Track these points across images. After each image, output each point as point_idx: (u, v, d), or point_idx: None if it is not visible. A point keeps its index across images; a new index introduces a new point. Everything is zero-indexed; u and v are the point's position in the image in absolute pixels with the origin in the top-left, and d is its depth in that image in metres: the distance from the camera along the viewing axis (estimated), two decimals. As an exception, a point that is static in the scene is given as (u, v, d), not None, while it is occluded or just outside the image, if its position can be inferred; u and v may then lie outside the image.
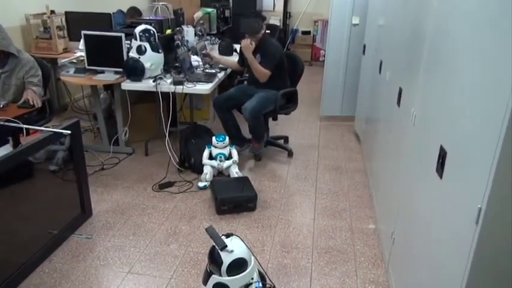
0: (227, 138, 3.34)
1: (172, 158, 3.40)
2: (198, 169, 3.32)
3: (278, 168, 3.59)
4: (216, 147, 3.31)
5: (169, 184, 3.21)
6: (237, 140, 3.63)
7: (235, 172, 3.27)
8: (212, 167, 3.28)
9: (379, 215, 2.72)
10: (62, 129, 2.41)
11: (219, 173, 3.36)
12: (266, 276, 2.06)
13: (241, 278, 1.82)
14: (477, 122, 1.23)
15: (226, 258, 1.79)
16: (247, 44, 3.40)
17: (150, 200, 3.02)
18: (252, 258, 1.89)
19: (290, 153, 3.81)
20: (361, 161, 3.74)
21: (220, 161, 3.28)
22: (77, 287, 2.16)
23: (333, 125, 4.64)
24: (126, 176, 3.35)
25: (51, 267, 2.30)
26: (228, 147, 3.35)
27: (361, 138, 4.00)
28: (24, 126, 2.51)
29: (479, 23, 1.28)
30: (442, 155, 1.45)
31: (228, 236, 1.88)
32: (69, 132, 2.41)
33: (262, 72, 3.42)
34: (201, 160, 3.29)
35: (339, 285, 2.23)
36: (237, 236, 1.90)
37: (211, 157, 3.32)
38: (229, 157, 3.33)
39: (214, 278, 1.81)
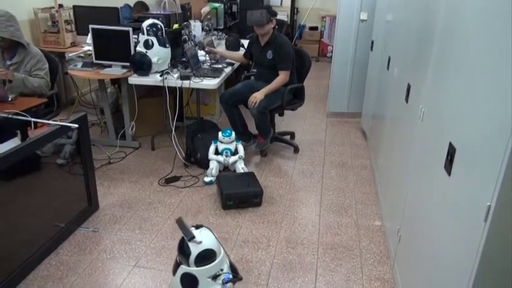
0: (233, 133, 3.34)
1: (178, 153, 3.41)
2: (204, 164, 3.32)
3: (284, 164, 3.59)
4: (222, 142, 3.31)
5: (176, 179, 3.22)
6: (243, 135, 3.63)
7: (241, 167, 3.27)
8: (218, 162, 3.28)
9: (385, 212, 2.71)
10: (69, 123, 2.42)
11: (225, 168, 3.36)
12: (231, 270, 2.06)
13: (209, 268, 1.86)
14: (487, 118, 1.21)
15: (194, 249, 1.83)
16: (255, 97, 3.35)
17: (156, 194, 3.03)
18: (221, 250, 1.92)
19: (296, 149, 3.81)
20: (367, 158, 3.72)
21: (226, 156, 3.29)
22: (83, 279, 2.18)
23: (339, 122, 4.62)
24: (133, 170, 3.37)
25: (58, 259, 2.32)
26: (234, 143, 3.35)
27: (368, 135, 3.97)
28: (32, 119, 2.53)
29: (489, 18, 1.26)
30: (451, 152, 1.44)
31: (197, 227, 1.91)
32: (76, 126, 2.42)
33: (284, 80, 3.45)
34: (207, 155, 3.30)
35: (344, 281, 2.23)
36: (207, 227, 1.93)
37: (217, 152, 3.33)
38: (235, 152, 3.33)
39: (183, 268, 1.86)
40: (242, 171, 3.24)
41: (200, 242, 1.83)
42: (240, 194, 2.86)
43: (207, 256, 1.85)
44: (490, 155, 1.15)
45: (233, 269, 2.01)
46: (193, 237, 1.83)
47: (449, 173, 1.46)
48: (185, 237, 1.84)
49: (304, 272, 2.29)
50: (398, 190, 2.34)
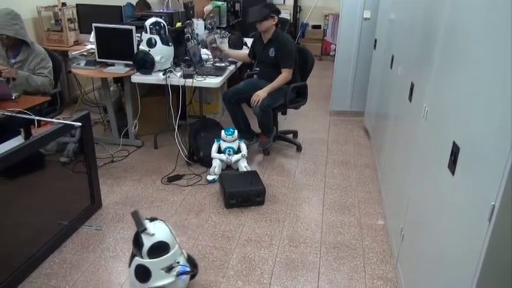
0: (236, 132, 3.34)
1: (181, 151, 3.41)
2: (207, 162, 3.33)
3: (287, 162, 3.59)
4: (225, 141, 3.31)
5: (178, 177, 3.22)
6: (245, 133, 3.62)
7: (243, 166, 3.27)
8: (221, 160, 3.28)
9: (388, 211, 2.71)
10: (72, 121, 2.43)
11: (228, 167, 3.36)
12: (188, 264, 2.09)
13: (162, 260, 1.89)
14: (491, 118, 1.20)
15: (147, 241, 1.87)
16: (258, 95, 3.35)
17: (159, 192, 3.03)
18: (176, 243, 1.95)
19: (299, 148, 3.80)
20: (370, 157, 3.72)
21: (229, 154, 3.29)
22: (86, 277, 2.19)
23: (342, 120, 4.61)
24: (136, 168, 3.37)
25: (61, 257, 2.33)
26: (237, 141, 3.35)
27: (371, 134, 3.97)
28: (36, 118, 2.53)
29: (493, 16, 1.25)
30: (455, 151, 1.43)
31: (151, 220, 1.94)
32: (79, 124, 2.43)
33: (287, 78, 3.45)
34: (210, 153, 3.30)
35: (347, 280, 2.22)
36: (161, 220, 1.96)
37: (220, 151, 3.33)
38: (238, 151, 3.33)
39: (136, 260, 1.89)
40: (245, 169, 3.24)
41: (153, 235, 1.88)
42: (242, 193, 2.86)
43: (160, 248, 1.89)
44: (494, 154, 1.15)
45: (193, 263, 2.06)
46: (145, 229, 1.87)
47: (453, 173, 1.45)
48: (138, 229, 1.88)
49: (307, 270, 2.29)
50: (401, 189, 2.33)
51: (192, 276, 2.08)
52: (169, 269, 1.90)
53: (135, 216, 1.87)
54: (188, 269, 1.96)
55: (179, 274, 1.92)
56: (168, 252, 1.91)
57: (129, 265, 1.95)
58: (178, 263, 1.93)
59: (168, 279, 1.90)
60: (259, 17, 3.39)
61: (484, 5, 1.36)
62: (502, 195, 1.09)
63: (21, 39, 3.02)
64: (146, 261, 1.88)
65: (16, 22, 2.96)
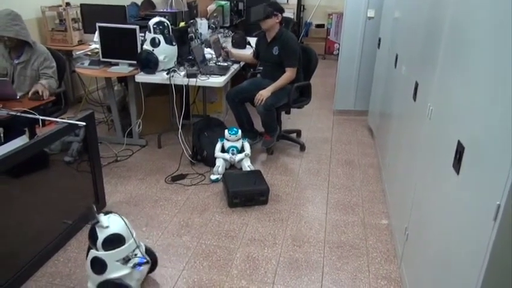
0: (240, 131, 3.34)
1: (185, 151, 3.42)
2: (211, 162, 3.33)
3: (290, 162, 3.58)
4: (228, 140, 3.31)
5: (182, 176, 3.23)
6: (249, 133, 3.62)
7: (247, 165, 3.27)
8: (224, 160, 3.28)
9: (392, 211, 2.70)
10: (76, 120, 2.43)
11: (231, 166, 3.36)
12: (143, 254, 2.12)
13: (117, 252, 1.92)
14: (496, 117, 1.20)
15: (101, 234, 1.90)
16: (262, 95, 3.36)
17: (162, 192, 3.04)
18: (132, 235, 1.99)
19: (302, 147, 3.80)
20: (374, 156, 3.71)
21: (233, 154, 3.29)
22: (91, 276, 2.19)
23: (346, 119, 4.60)
24: (139, 167, 3.38)
25: (65, 256, 2.34)
26: (241, 141, 3.35)
27: (375, 133, 3.95)
28: (40, 117, 2.55)
29: (498, 15, 1.24)
30: (460, 151, 1.43)
31: (106, 213, 1.97)
32: (84, 123, 2.44)
33: (290, 77, 3.44)
34: (214, 153, 3.30)
35: (351, 280, 2.22)
36: (116, 214, 1.98)
37: (223, 150, 3.33)
38: (242, 150, 3.33)
39: (92, 253, 1.92)
40: (248, 169, 3.24)
41: (107, 227, 1.90)
42: (246, 192, 2.86)
43: (114, 240, 1.92)
44: (500, 153, 1.14)
45: (151, 255, 2.12)
46: (98, 221, 1.90)
47: (457, 172, 1.44)
48: (90, 222, 1.91)
49: (311, 270, 2.28)
50: (405, 189, 2.32)
51: (151, 269, 2.15)
52: (126, 260, 1.95)
53: (89, 209, 1.92)
54: (144, 260, 1.99)
55: (135, 265, 1.96)
56: (123, 244, 1.94)
57: (86, 258, 1.98)
58: (135, 255, 1.98)
59: (124, 271, 1.94)
60: (263, 15, 3.39)
61: (488, 3, 1.35)
62: (508, 194, 1.08)
63: (23, 40, 3.02)
64: (101, 253, 1.91)
65: (17, 23, 2.96)
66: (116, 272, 1.93)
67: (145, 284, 2.15)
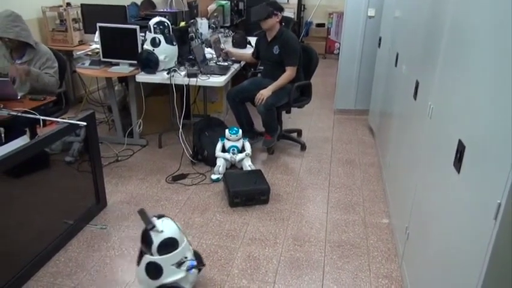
0: (240, 131, 3.34)
1: (185, 151, 3.42)
2: (211, 162, 3.33)
3: (291, 161, 3.58)
4: (229, 140, 3.31)
5: (183, 176, 3.23)
6: (248, 133, 3.62)
7: (248, 165, 3.27)
8: (225, 159, 3.28)
9: (393, 210, 2.70)
10: (77, 120, 2.44)
11: (232, 166, 3.36)
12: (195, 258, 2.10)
13: (172, 256, 1.90)
14: (497, 115, 1.19)
15: (156, 239, 1.88)
16: (262, 94, 3.35)
17: (163, 191, 3.04)
18: (184, 238, 1.97)
19: (303, 147, 3.80)
20: (375, 155, 3.70)
21: (233, 153, 3.29)
22: (92, 276, 2.20)
23: (346, 119, 4.60)
24: (140, 167, 3.38)
25: (67, 256, 2.35)
26: (241, 140, 3.35)
27: (375, 132, 3.95)
28: (41, 117, 2.55)
29: (499, 13, 1.24)
30: (460, 150, 1.43)
31: (159, 217, 1.95)
32: (84, 123, 2.44)
33: (291, 76, 3.44)
34: (214, 153, 3.30)
35: (352, 279, 2.22)
36: (168, 217, 1.97)
37: (224, 150, 3.33)
38: (242, 150, 3.33)
39: (147, 258, 1.90)
40: (249, 168, 3.24)
41: (162, 231, 1.88)
42: (247, 192, 2.86)
43: (169, 244, 1.90)
44: (501, 152, 1.14)
45: (198, 256, 2.08)
46: (154, 226, 1.88)
47: (458, 171, 1.44)
48: (146, 227, 1.89)
49: (312, 269, 2.28)
50: (406, 188, 2.32)
51: (199, 270, 2.10)
52: (179, 264, 1.92)
53: (142, 214, 1.88)
54: (195, 263, 1.97)
55: (189, 269, 1.94)
56: (177, 248, 1.92)
57: (138, 263, 1.95)
58: (186, 257, 1.95)
59: (180, 275, 1.92)
60: (263, 15, 3.38)
61: (488, 2, 1.35)
62: (508, 193, 1.08)
63: (25, 41, 3.02)
64: (157, 258, 1.88)
65: (17, 24, 2.96)
66: (171, 276, 1.91)
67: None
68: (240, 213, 2.79)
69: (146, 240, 1.90)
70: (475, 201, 1.30)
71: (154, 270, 1.89)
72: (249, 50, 4.01)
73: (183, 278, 1.93)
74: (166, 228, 1.91)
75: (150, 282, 1.91)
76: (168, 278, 1.90)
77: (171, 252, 1.90)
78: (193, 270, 1.97)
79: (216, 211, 2.81)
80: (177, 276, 1.91)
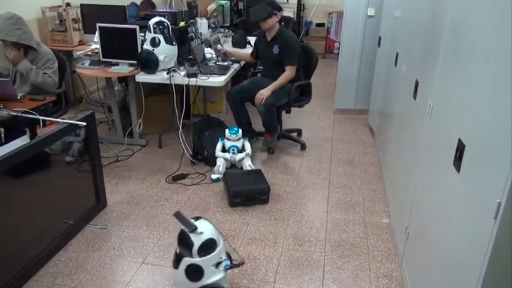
0: (240, 131, 3.34)
1: (185, 150, 3.42)
2: (211, 161, 3.33)
3: (291, 161, 3.58)
4: (229, 139, 3.31)
5: (183, 176, 3.23)
6: (247, 132, 3.62)
7: (248, 165, 3.27)
8: (225, 159, 3.28)
9: (393, 209, 2.70)
10: (77, 121, 2.44)
11: (232, 166, 3.36)
12: (236, 254, 2.12)
13: (212, 257, 1.88)
14: (497, 114, 1.19)
15: (197, 240, 1.85)
16: (262, 94, 3.36)
17: (163, 191, 3.04)
18: (221, 238, 1.95)
19: (303, 146, 3.80)
20: (375, 155, 3.70)
21: (233, 153, 3.29)
22: (92, 276, 2.20)
23: (346, 118, 4.60)
24: (140, 167, 3.38)
25: (67, 256, 2.35)
26: (241, 140, 3.35)
27: (375, 132, 3.95)
28: (41, 117, 2.55)
29: (499, 12, 1.24)
30: (460, 149, 1.43)
31: (196, 219, 1.93)
32: (84, 123, 2.44)
33: (290, 76, 3.44)
34: (214, 152, 3.30)
35: (352, 278, 2.22)
36: (204, 218, 1.95)
37: (224, 149, 3.33)
38: (242, 150, 3.33)
39: (186, 260, 1.87)
40: (249, 168, 3.24)
41: (201, 233, 1.86)
42: (247, 191, 2.86)
43: (208, 245, 1.88)
44: (500, 151, 1.14)
45: (228, 256, 2.06)
46: (196, 228, 1.85)
47: (458, 170, 1.44)
48: (186, 229, 1.86)
49: (312, 269, 2.28)
50: (406, 187, 2.32)
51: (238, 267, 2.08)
52: (217, 264, 1.90)
53: (180, 217, 1.85)
54: (229, 262, 1.95)
55: (227, 268, 1.93)
56: (216, 249, 1.90)
57: (176, 267, 1.91)
58: (221, 258, 1.94)
59: (220, 275, 1.90)
60: (263, 16, 3.38)
61: (488, 1, 1.35)
62: (508, 192, 1.08)
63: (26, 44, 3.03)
64: (198, 260, 1.85)
65: (19, 27, 2.95)
66: (212, 277, 1.89)
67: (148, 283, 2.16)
68: (240, 213, 2.79)
69: (186, 242, 1.86)
70: (475, 200, 1.30)
71: (195, 273, 1.87)
72: (248, 50, 4.01)
73: (222, 278, 1.91)
74: (205, 229, 1.88)
75: (191, 284, 1.88)
76: (209, 279, 1.88)
77: (211, 253, 1.88)
78: (230, 270, 1.95)
79: (216, 211, 2.81)
80: (217, 277, 1.89)
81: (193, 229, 1.84)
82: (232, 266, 1.95)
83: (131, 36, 3.41)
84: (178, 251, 1.91)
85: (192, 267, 1.86)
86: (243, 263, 2.03)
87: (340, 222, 2.71)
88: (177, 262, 1.90)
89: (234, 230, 2.61)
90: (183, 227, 1.87)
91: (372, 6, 4.20)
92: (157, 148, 3.75)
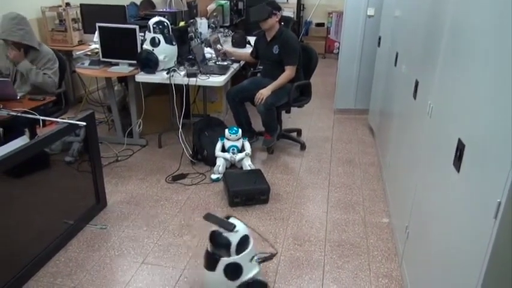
0: (240, 130, 3.34)
1: (185, 150, 3.42)
2: (211, 161, 3.33)
3: (291, 161, 3.58)
4: (229, 139, 3.31)
5: (183, 176, 3.23)
6: (246, 132, 3.62)
7: (247, 165, 3.27)
8: (225, 159, 3.28)
9: (393, 209, 2.70)
10: (77, 120, 2.43)
11: (232, 166, 3.36)
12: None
13: (248, 253, 1.89)
14: (497, 114, 1.19)
15: (234, 238, 1.84)
16: (262, 94, 3.36)
17: (163, 191, 3.04)
18: (251, 233, 1.96)
19: (303, 146, 3.80)
20: (374, 155, 3.70)
21: (233, 153, 3.29)
22: (92, 276, 2.20)
23: (346, 118, 4.60)
24: (140, 167, 3.38)
25: (67, 256, 2.35)
26: (241, 140, 3.35)
27: (375, 132, 3.95)
28: (41, 117, 2.55)
29: (499, 12, 1.24)
30: (460, 149, 1.43)
31: (227, 218, 1.94)
32: (84, 123, 2.44)
33: (290, 76, 3.43)
34: (214, 152, 3.30)
35: (352, 278, 2.22)
36: (233, 216, 1.96)
37: (224, 149, 3.33)
38: (242, 150, 3.33)
39: (224, 260, 1.85)
40: (249, 168, 3.24)
41: (237, 231, 1.86)
42: (247, 191, 2.86)
43: (244, 242, 1.89)
44: (500, 151, 1.14)
45: None
46: (235, 226, 1.85)
47: (458, 170, 1.44)
48: (224, 229, 1.85)
49: (312, 269, 2.28)
50: (406, 187, 2.32)
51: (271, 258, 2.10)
52: (251, 259, 1.91)
53: (214, 218, 1.86)
54: (261, 255, 1.97)
55: (261, 261, 1.94)
56: (250, 244, 1.91)
57: (212, 269, 1.88)
58: (255, 253, 1.96)
59: (256, 269, 1.91)
60: (263, 16, 3.38)
61: (488, 1, 1.35)
62: (508, 192, 1.08)
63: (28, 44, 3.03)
64: (236, 258, 1.86)
65: (22, 27, 2.96)
66: (250, 272, 1.89)
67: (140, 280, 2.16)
68: (240, 212, 2.79)
69: (223, 242, 1.85)
70: (474, 200, 1.30)
71: (234, 271, 1.86)
72: (248, 50, 4.01)
73: (258, 272, 1.92)
74: (239, 226, 1.89)
75: (230, 284, 1.87)
76: (248, 275, 1.89)
77: (247, 249, 1.88)
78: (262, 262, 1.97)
79: (216, 211, 2.81)
80: (254, 272, 1.90)
81: (233, 228, 1.84)
82: (267, 259, 1.96)
83: (131, 36, 3.41)
84: (211, 252, 1.89)
85: (231, 266, 1.86)
86: (275, 253, 2.03)
87: (340, 222, 2.71)
88: (213, 264, 1.88)
89: (234, 229, 2.61)
90: (218, 227, 1.86)
91: (371, 6, 4.20)
92: (157, 148, 3.75)
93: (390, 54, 3.29)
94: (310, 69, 3.71)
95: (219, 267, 1.86)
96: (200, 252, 2.38)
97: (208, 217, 1.87)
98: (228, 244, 1.84)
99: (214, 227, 1.89)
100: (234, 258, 1.85)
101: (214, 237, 1.87)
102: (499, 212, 1.11)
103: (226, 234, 1.84)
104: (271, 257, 1.99)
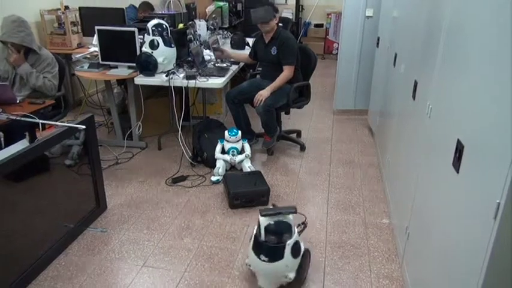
0: (240, 132, 3.34)
1: (185, 153, 3.42)
2: (211, 163, 3.33)
3: (290, 162, 3.58)
4: (228, 141, 3.31)
5: (183, 178, 3.23)
6: (246, 134, 3.62)
7: (247, 166, 3.27)
8: (225, 161, 3.28)
9: (393, 210, 2.70)
10: (76, 124, 2.44)
11: (232, 167, 3.36)
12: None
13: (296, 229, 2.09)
14: (496, 115, 1.20)
15: (294, 219, 2.05)
16: (261, 95, 3.36)
17: (163, 194, 3.04)
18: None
19: (302, 148, 3.80)
20: (374, 155, 3.70)
21: (233, 155, 3.29)
22: (92, 279, 2.20)
23: (346, 119, 4.60)
24: (140, 170, 3.38)
25: (67, 260, 2.34)
26: (241, 142, 3.35)
27: (375, 132, 3.95)
28: (40, 121, 2.55)
29: (497, 13, 1.24)
30: (460, 149, 1.43)
31: (273, 205, 2.12)
32: (83, 126, 2.44)
33: (289, 76, 3.44)
34: (214, 154, 3.30)
35: (353, 279, 2.22)
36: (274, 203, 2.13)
37: (223, 151, 3.33)
38: (242, 151, 3.33)
39: (290, 243, 1.99)
40: (249, 170, 3.24)
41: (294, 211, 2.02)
42: (247, 193, 2.86)
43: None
44: (499, 151, 1.14)
45: None
46: (296, 209, 2.00)
47: (457, 170, 1.44)
48: (292, 213, 2.01)
49: (312, 270, 2.28)
50: (406, 188, 2.32)
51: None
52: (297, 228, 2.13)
53: (271, 210, 2.02)
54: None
55: (300, 232, 2.16)
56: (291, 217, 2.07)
57: (280, 257, 1.97)
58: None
59: (298, 237, 2.09)
60: (269, 17, 3.38)
61: (488, 1, 1.35)
62: (508, 192, 1.08)
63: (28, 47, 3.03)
64: (296, 236, 2.04)
65: (22, 29, 2.98)
66: (301, 243, 2.10)
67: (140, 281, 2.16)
68: (240, 214, 2.79)
69: (286, 227, 2.00)
70: (474, 200, 1.30)
71: (296, 248, 2.03)
72: (247, 51, 4.01)
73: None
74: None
75: (294, 262, 2.02)
76: (302, 247, 2.09)
77: (301, 226, 2.14)
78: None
79: (216, 213, 2.81)
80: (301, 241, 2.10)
81: (295, 210, 2.00)
82: (305, 227, 2.21)
83: (130, 39, 3.42)
84: (279, 241, 1.98)
85: (295, 245, 2.02)
86: (306, 218, 2.26)
87: (340, 223, 2.71)
88: (281, 253, 1.97)
89: (235, 231, 2.61)
90: (277, 216, 1.99)
91: (370, 7, 4.21)
92: (157, 150, 3.75)
93: (389, 54, 3.29)
94: (309, 70, 3.71)
95: (287, 252, 1.98)
96: (200, 255, 2.38)
97: (265, 211, 1.99)
98: (290, 226, 2.00)
99: (267, 221, 1.98)
100: (297, 237, 2.03)
101: (277, 226, 1.99)
102: (499, 212, 1.12)
103: (284, 218, 1.99)
104: (305, 224, 2.19)
